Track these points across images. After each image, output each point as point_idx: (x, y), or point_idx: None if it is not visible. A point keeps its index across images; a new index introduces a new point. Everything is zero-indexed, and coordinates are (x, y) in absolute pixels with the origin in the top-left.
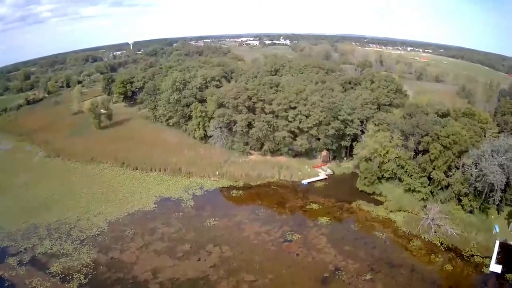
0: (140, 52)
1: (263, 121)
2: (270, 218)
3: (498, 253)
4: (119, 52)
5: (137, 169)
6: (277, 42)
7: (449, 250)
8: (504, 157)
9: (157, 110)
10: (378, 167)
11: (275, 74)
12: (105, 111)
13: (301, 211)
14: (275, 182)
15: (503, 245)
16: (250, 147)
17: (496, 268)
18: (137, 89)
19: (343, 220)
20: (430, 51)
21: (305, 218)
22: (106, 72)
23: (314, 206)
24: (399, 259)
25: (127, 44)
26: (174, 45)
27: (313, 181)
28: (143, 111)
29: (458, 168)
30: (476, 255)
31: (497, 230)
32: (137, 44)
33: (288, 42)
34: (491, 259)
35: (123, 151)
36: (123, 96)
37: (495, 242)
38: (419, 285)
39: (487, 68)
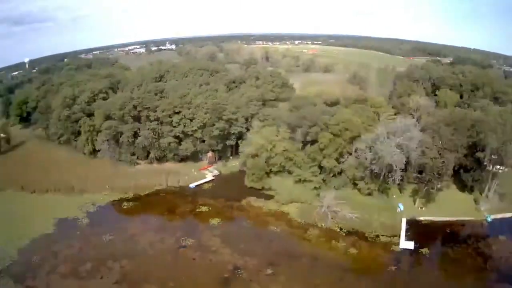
0: (35, 70)
1: (148, 129)
2: (162, 226)
3: (407, 230)
4: (16, 73)
5: (34, 191)
6: (163, 47)
7: (350, 234)
8: (402, 137)
9: (49, 129)
10: (266, 162)
11: (160, 80)
12: (4, 135)
13: (192, 215)
14: (163, 190)
15: (411, 222)
16: (137, 156)
17: (407, 244)
18: (32, 109)
19: (235, 218)
20: (319, 42)
21: (197, 221)
22: (3, 95)
23: (204, 208)
24: (298, 250)
25: (24, 63)
26: (65, 60)
27: (200, 184)
28: (38, 131)
29: (351, 154)
30: (382, 235)
31: (402, 209)
32: (32, 62)
33: (174, 46)
34: (399, 237)
35: (21, 174)
36: (19, 117)
37: (401, 220)
38: (325, 271)
39: (381, 53)
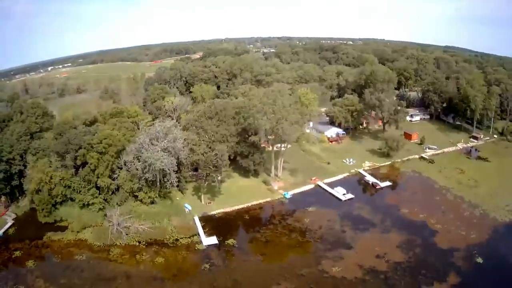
0: None
1: None
2: None
3: (204, 227)
4: None
5: None
6: None
7: (150, 245)
8: (165, 140)
9: None
10: (49, 195)
11: None
12: None
13: (11, 262)
14: None
15: (205, 219)
16: None
17: (210, 240)
18: None
19: (45, 256)
20: (69, 64)
21: (14, 267)
22: None
23: (18, 253)
24: (109, 272)
25: None
26: None
27: (6, 230)
28: None
29: (121, 168)
30: (181, 238)
31: (189, 208)
32: None
33: None
34: (199, 235)
35: None
36: None
37: (194, 219)
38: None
39: (129, 63)
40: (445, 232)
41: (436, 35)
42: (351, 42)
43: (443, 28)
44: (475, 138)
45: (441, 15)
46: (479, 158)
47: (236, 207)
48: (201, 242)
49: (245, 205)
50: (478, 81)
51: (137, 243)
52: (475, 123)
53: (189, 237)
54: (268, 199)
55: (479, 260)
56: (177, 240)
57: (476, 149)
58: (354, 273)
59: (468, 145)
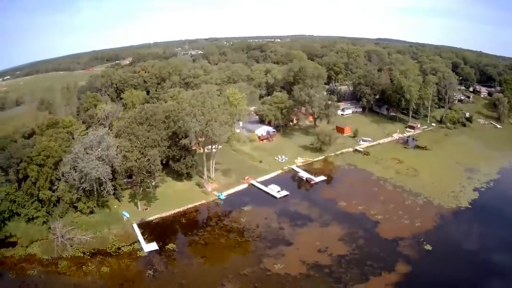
0: None
1: None
2: None
3: (143, 233)
4: None
5: None
6: None
7: (94, 255)
8: (99, 149)
9: None
10: None
11: None
12: None
13: None
14: None
15: (143, 225)
16: None
17: (151, 247)
18: None
19: (1, 273)
20: (8, 77)
21: None
22: None
23: None
24: (60, 285)
25: None
26: None
27: None
28: None
29: (60, 179)
30: (123, 246)
31: (127, 216)
32: None
33: None
34: (139, 242)
35: None
36: None
37: (132, 227)
38: None
39: (62, 72)
40: (387, 222)
41: (368, 28)
42: (279, 40)
43: (375, 20)
44: (412, 127)
45: (373, 8)
46: (417, 147)
47: (173, 212)
48: (142, 249)
49: (181, 209)
50: (413, 71)
51: (82, 254)
52: (410, 113)
53: (130, 245)
54: (203, 202)
55: (428, 247)
56: (119, 248)
57: (413, 139)
58: (297, 269)
59: (405, 135)
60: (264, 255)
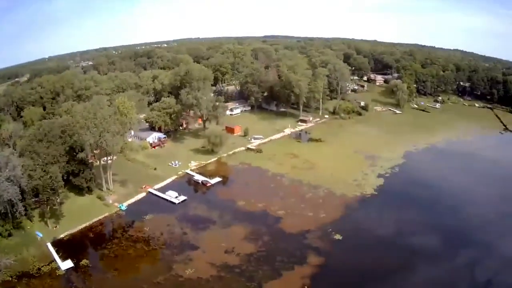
0: None
1: None
2: None
3: (57, 251)
4: None
5: None
6: None
7: (20, 278)
8: (7, 169)
9: None
10: None
11: None
12: None
13: None
14: None
15: (56, 243)
16: None
17: (66, 264)
18: None
19: None
20: None
21: None
22: None
23: None
24: None
25: None
26: None
27: None
28: None
29: None
30: (42, 266)
31: (41, 235)
32: None
33: None
34: (56, 261)
35: None
36: None
37: (47, 246)
38: None
39: None
40: (290, 217)
41: (255, 26)
42: (165, 45)
43: (262, 18)
44: (304, 121)
45: (260, 5)
46: (311, 140)
47: (80, 227)
48: (59, 267)
49: (87, 224)
50: (302, 66)
51: (10, 278)
52: (301, 107)
53: (49, 264)
54: (106, 214)
55: (338, 237)
56: (39, 269)
57: (306, 132)
58: (208, 272)
59: (297, 129)
60: (173, 261)
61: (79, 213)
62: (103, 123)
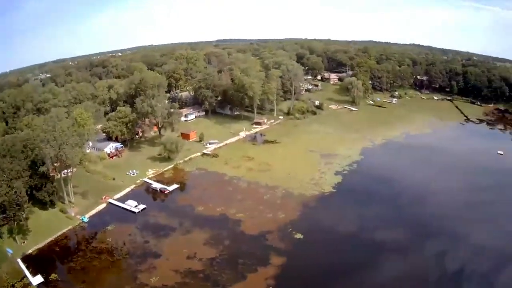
0: None
1: None
2: None
3: (28, 267)
4: None
5: None
6: None
7: None
8: None
9: None
10: None
11: None
12: None
13: None
14: None
15: (25, 259)
16: None
17: (37, 280)
18: None
19: None
20: None
21: None
22: None
23: None
24: None
25: None
26: None
27: None
28: None
29: None
30: (15, 283)
31: (11, 251)
32: None
33: None
34: (27, 277)
35: None
36: None
37: (17, 262)
38: None
39: None
40: (250, 219)
41: (208, 31)
42: (119, 54)
43: (214, 23)
44: (258, 123)
45: (210, 9)
46: (266, 142)
47: (46, 241)
48: (31, 283)
49: (52, 238)
50: (254, 68)
51: None
52: (255, 109)
53: (21, 280)
54: (70, 227)
55: (299, 236)
56: (13, 285)
57: (261, 134)
58: (172, 279)
59: (252, 131)
60: (138, 270)
61: (45, 227)
62: (62, 135)
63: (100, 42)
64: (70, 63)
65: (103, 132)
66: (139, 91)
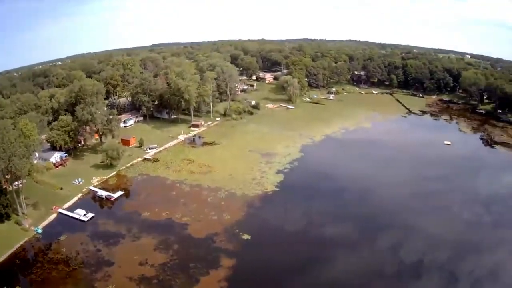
0: None
1: None
2: None
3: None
4: None
5: None
6: None
7: None
8: None
9: None
10: None
11: None
12: None
13: None
14: None
15: None
16: None
17: None
18: None
19: None
20: None
21: None
22: None
23: None
24: None
25: None
26: None
27: None
28: None
29: None
30: None
31: None
32: None
33: None
34: None
35: None
36: None
37: None
38: None
39: None
40: (196, 222)
41: (142, 36)
42: (60, 63)
43: (148, 28)
44: (196, 126)
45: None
46: (205, 144)
47: (6, 255)
48: None
49: (11, 251)
50: (189, 71)
51: None
52: (192, 112)
53: None
54: (26, 239)
55: (247, 236)
56: None
57: (199, 136)
58: (128, 286)
59: (190, 134)
60: (94, 279)
61: (4, 240)
62: (11, 147)
63: (43, 51)
64: (15, 74)
65: (48, 142)
66: (79, 99)
